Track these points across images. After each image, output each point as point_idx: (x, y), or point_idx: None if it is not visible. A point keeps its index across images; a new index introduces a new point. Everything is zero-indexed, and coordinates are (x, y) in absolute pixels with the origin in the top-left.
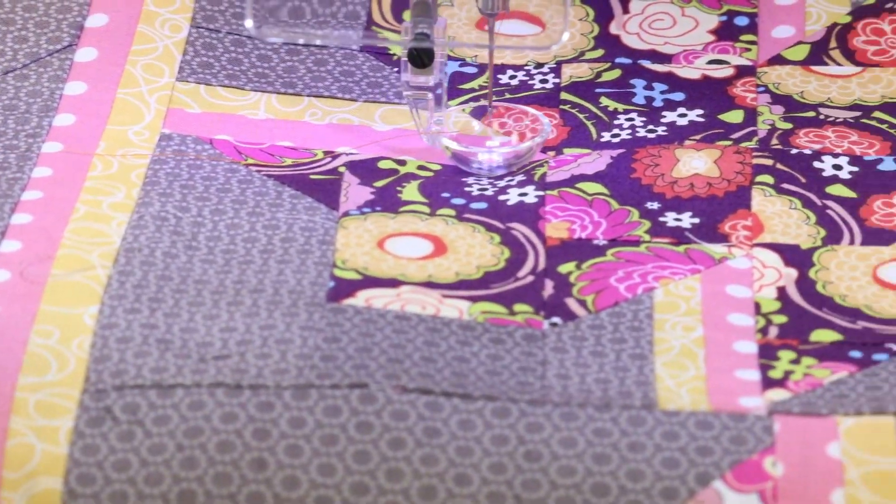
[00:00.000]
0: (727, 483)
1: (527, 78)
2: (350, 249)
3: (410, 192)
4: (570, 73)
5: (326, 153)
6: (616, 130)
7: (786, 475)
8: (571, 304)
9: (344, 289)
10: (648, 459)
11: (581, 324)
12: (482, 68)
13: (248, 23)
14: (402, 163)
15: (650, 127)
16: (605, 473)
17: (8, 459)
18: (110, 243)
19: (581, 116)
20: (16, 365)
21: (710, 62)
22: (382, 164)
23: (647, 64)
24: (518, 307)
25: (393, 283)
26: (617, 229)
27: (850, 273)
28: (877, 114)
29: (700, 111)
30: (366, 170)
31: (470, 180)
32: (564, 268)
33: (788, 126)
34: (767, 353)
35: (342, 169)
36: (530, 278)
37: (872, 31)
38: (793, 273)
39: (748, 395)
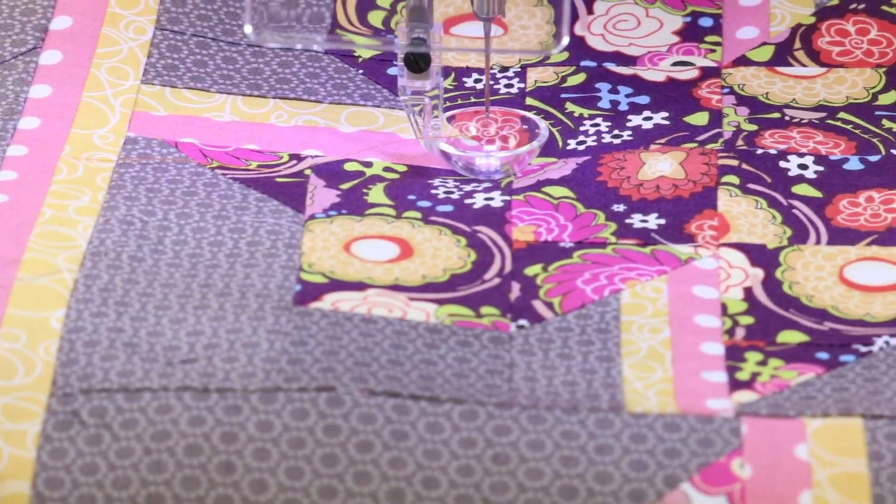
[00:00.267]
0: (695, 485)
1: (492, 82)
2: (316, 253)
3: (376, 194)
4: (536, 77)
5: (292, 156)
6: (582, 137)
7: (753, 477)
8: (538, 306)
9: (310, 292)
10: (616, 462)
11: (548, 326)
12: (446, 71)
13: (248, 28)
14: (368, 164)
15: (616, 132)
16: (572, 476)
17: None
18: (76, 247)
19: (546, 123)
20: None
21: (675, 64)
22: (348, 167)
23: (612, 67)
24: (485, 310)
25: (360, 286)
26: (583, 232)
27: (817, 273)
28: (842, 114)
29: (665, 114)
30: (332, 172)
31: (436, 182)
32: (531, 270)
33: (754, 128)
34: (734, 354)
35: (308, 172)
36: (497, 281)
37: (836, 32)
38: (759, 273)
39: (715, 397)
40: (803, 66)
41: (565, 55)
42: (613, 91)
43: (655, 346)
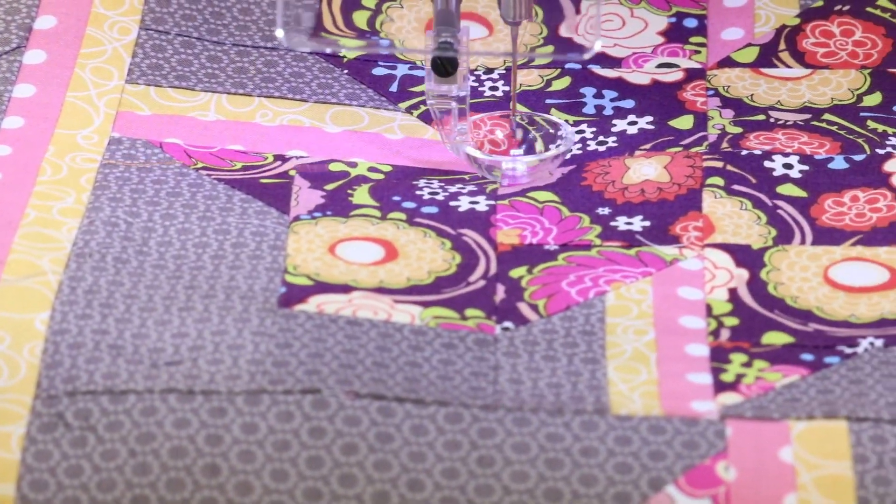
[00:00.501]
0: (680, 488)
1: (476, 84)
2: (301, 255)
3: (361, 195)
4: (521, 80)
5: (276, 157)
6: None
7: (738, 480)
8: (523, 308)
9: (295, 294)
10: (601, 464)
11: (533, 328)
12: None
13: (280, 33)
14: (352, 165)
15: (601, 138)
16: (557, 478)
17: None
18: (61, 248)
19: (530, 129)
20: None
21: (660, 65)
22: (333, 167)
23: (596, 69)
24: (470, 312)
25: (345, 288)
26: (568, 235)
27: (802, 274)
28: (826, 116)
29: (650, 118)
30: (316, 173)
31: (420, 183)
32: (516, 272)
33: (738, 130)
34: (719, 356)
35: (292, 172)
36: (482, 283)
37: (821, 34)
38: (744, 274)
39: (700, 399)
40: (788, 67)
41: (550, 58)
42: (598, 95)
43: (640, 347)
